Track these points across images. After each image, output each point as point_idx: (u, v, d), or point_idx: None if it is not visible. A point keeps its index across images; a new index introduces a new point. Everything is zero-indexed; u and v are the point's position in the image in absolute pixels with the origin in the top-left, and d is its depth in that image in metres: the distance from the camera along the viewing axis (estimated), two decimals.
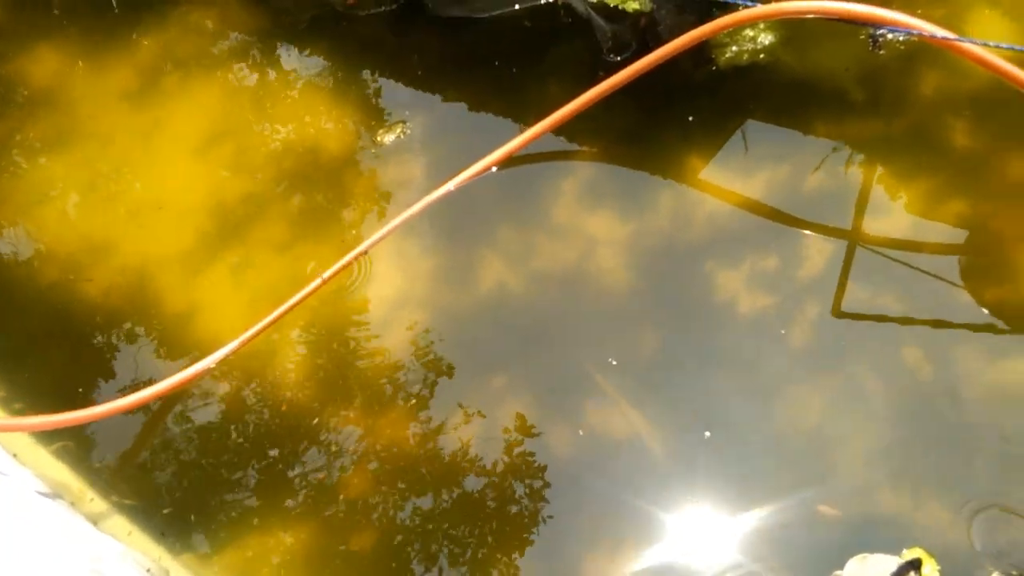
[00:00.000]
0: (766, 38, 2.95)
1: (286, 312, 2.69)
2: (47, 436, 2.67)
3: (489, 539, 2.37)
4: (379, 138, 3.14)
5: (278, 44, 3.53)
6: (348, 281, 2.83)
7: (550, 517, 2.35)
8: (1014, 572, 1.99)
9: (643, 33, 2.99)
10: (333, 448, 2.54)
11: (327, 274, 2.73)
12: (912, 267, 2.48)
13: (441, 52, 3.34)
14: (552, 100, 2.83)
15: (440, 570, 2.33)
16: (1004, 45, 2.13)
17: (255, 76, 3.46)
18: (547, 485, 2.40)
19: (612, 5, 2.94)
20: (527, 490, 2.40)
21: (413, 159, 3.06)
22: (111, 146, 3.34)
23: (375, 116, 3.22)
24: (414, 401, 2.58)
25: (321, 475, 2.50)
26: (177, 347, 2.80)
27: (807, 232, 2.61)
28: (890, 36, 2.59)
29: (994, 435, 2.20)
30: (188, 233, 3.04)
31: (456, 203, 2.87)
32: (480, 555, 2.35)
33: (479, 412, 2.53)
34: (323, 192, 3.07)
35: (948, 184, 2.61)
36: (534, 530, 2.35)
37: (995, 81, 2.28)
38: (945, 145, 2.67)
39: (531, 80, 3.14)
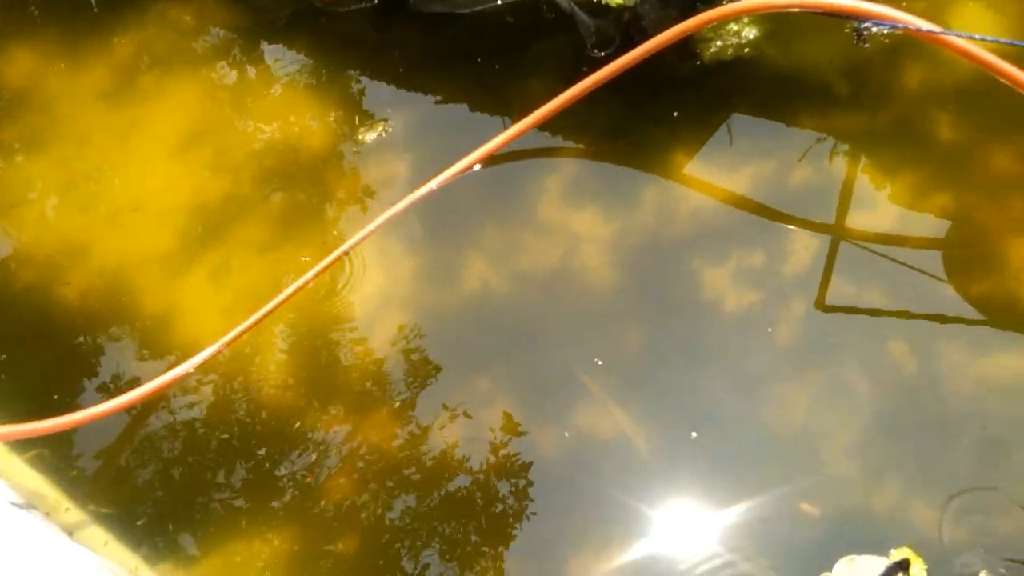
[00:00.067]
0: (750, 32, 2.93)
1: (267, 314, 2.65)
2: (21, 444, 2.62)
3: (474, 538, 2.35)
4: (361, 136, 3.10)
5: (257, 42, 3.49)
6: (330, 281, 2.80)
7: (534, 515, 2.33)
8: (1002, 570, 1.99)
9: (627, 28, 2.97)
10: (316, 452, 2.51)
11: (309, 275, 2.69)
12: (898, 261, 2.47)
13: (423, 49, 3.30)
14: (535, 97, 2.80)
15: (426, 569, 2.30)
16: (989, 38, 2.12)
17: (234, 74, 3.42)
18: (531, 484, 2.38)
19: (595, 0, 2.92)
20: (512, 489, 2.38)
21: (395, 157, 3.03)
22: (88, 146, 3.30)
23: (356, 114, 3.18)
24: (398, 403, 2.55)
25: (304, 479, 2.47)
26: (157, 350, 2.76)
27: (793, 227, 2.59)
28: (874, 29, 2.58)
29: (980, 431, 2.19)
30: (167, 234, 3.00)
31: (439, 202, 2.84)
32: (466, 553, 2.32)
33: (464, 412, 2.50)
34: (304, 192, 3.03)
35: (933, 177, 2.60)
36: (520, 530, 2.33)
37: (979, 73, 2.27)
38: (930, 138, 2.66)
39: (514, 77, 3.11)
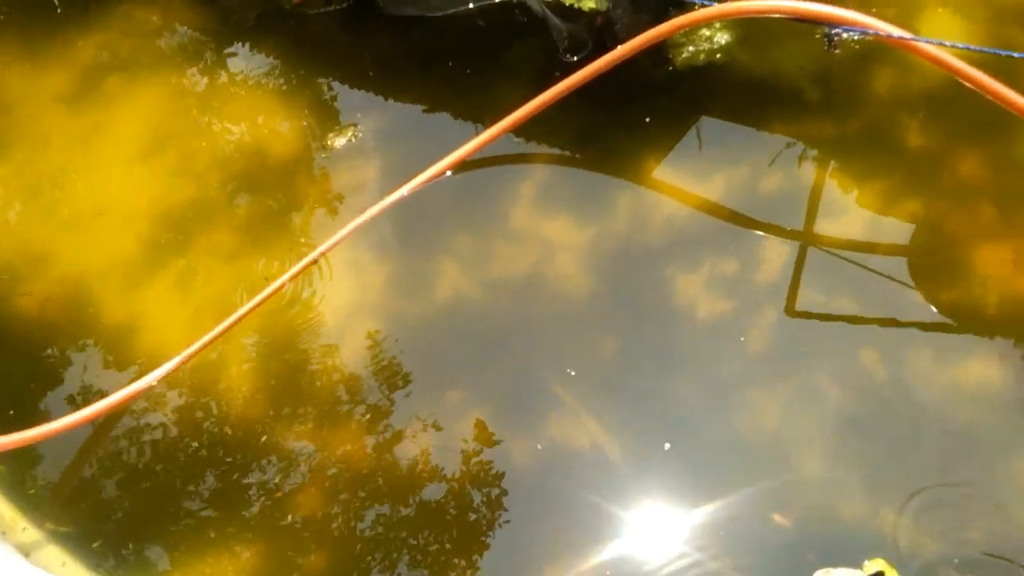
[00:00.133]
0: (722, 38, 2.92)
1: (234, 324, 2.60)
2: None
3: (448, 546, 2.31)
4: (330, 141, 3.05)
5: (225, 44, 3.43)
6: (298, 290, 2.75)
7: (507, 523, 2.31)
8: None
9: (599, 32, 2.95)
10: (284, 465, 2.46)
11: (277, 283, 2.64)
12: (868, 268, 2.47)
13: (393, 52, 3.26)
14: (507, 101, 2.77)
15: None
16: (960, 45, 2.12)
17: (201, 77, 3.35)
18: (505, 493, 2.35)
19: (568, 4, 2.89)
20: (484, 499, 2.35)
21: (365, 163, 2.98)
22: (50, 150, 3.22)
23: (326, 118, 3.13)
24: (368, 414, 2.51)
25: (274, 493, 2.42)
26: (119, 362, 2.70)
27: (765, 234, 2.59)
28: (845, 35, 2.59)
29: (951, 437, 2.20)
30: (131, 241, 2.93)
31: (411, 208, 2.80)
32: (440, 563, 2.29)
33: (435, 423, 2.47)
34: (272, 198, 2.98)
35: (903, 183, 2.61)
36: (494, 540, 2.30)
37: (948, 80, 2.28)
38: (899, 144, 2.67)
39: (486, 81, 3.08)
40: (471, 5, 3.19)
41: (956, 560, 2.03)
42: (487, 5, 3.18)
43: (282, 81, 3.26)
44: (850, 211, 2.58)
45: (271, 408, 2.55)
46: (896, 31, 2.21)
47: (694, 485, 2.24)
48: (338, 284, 2.74)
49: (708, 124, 2.84)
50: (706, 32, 2.93)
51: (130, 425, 2.59)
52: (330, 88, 3.23)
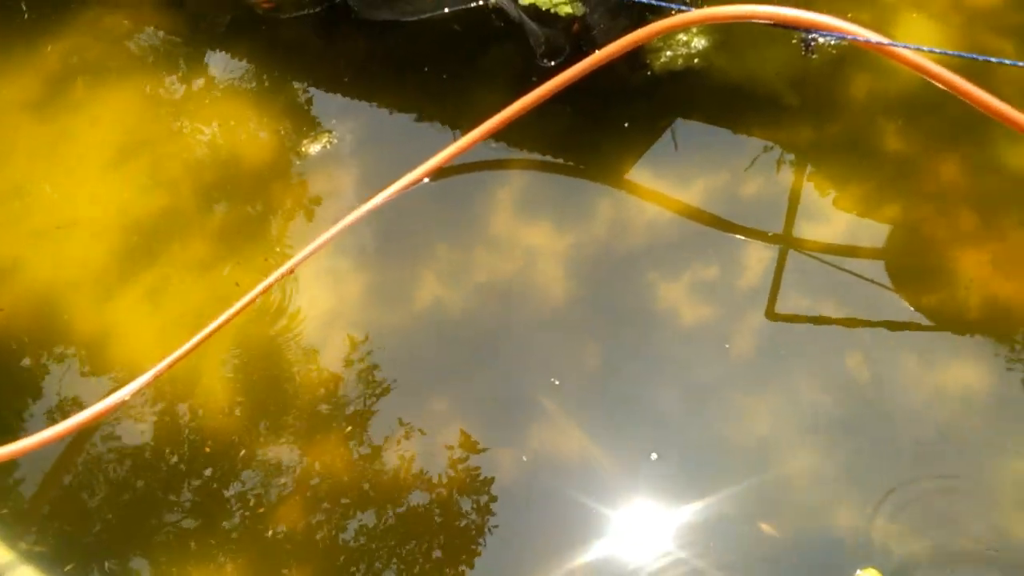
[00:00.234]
0: (700, 43, 2.92)
1: (209, 336, 2.54)
2: None
3: (436, 554, 2.28)
4: (305, 148, 3.00)
5: (197, 49, 3.37)
6: (274, 301, 2.70)
7: (494, 529, 2.27)
8: None
9: (576, 38, 2.94)
10: (264, 477, 2.41)
11: (252, 294, 2.59)
12: (850, 272, 2.48)
13: (368, 57, 3.22)
14: (485, 107, 2.75)
15: None
16: (936, 49, 2.13)
17: (172, 83, 3.29)
18: (493, 499, 2.32)
19: (544, 9, 2.88)
20: (472, 507, 2.32)
21: (341, 171, 2.94)
22: (16, 158, 3.14)
23: (300, 124, 3.08)
24: (349, 425, 2.47)
25: (256, 507, 2.37)
26: (91, 376, 2.63)
27: (746, 238, 2.58)
28: (822, 40, 2.59)
29: (935, 441, 2.20)
30: (101, 251, 2.87)
31: (388, 216, 2.77)
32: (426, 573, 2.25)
33: (420, 430, 2.43)
34: (246, 208, 2.93)
35: (882, 187, 2.62)
36: (481, 548, 2.27)
37: (925, 84, 2.29)
38: (878, 148, 2.68)
39: (462, 86, 3.05)
40: (446, 10, 3.16)
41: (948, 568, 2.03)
42: (462, 10, 3.15)
43: (255, 87, 3.21)
44: (829, 215, 2.58)
45: (250, 420, 2.50)
46: (873, 36, 2.21)
47: (679, 492, 2.22)
48: (315, 294, 2.70)
49: (687, 129, 2.83)
50: (683, 37, 2.93)
51: (104, 441, 2.52)
52: (304, 93, 3.19)
